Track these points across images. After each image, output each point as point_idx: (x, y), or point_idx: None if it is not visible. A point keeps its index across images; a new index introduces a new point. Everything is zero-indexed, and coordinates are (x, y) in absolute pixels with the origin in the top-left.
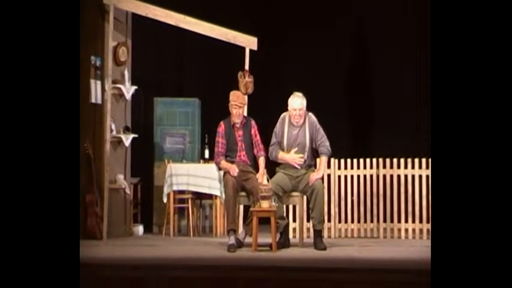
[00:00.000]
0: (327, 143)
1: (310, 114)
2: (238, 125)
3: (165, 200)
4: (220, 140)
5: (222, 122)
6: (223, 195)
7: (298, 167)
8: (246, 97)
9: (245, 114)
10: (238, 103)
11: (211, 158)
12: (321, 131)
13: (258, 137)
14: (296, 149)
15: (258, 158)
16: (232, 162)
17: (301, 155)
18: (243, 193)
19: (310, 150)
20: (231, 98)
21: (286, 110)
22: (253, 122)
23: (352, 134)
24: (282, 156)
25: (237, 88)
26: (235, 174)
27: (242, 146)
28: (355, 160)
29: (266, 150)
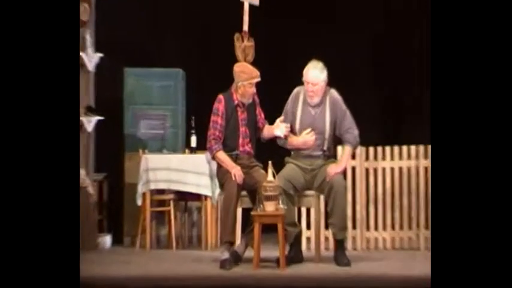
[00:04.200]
0: (356, 131)
1: (333, 90)
2: (244, 106)
3: (139, 202)
4: (219, 121)
5: (221, 96)
6: (216, 195)
7: (310, 147)
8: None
9: None
10: (254, 80)
11: (200, 147)
12: (348, 114)
13: (263, 114)
14: (309, 132)
15: (262, 128)
16: (237, 156)
17: (312, 134)
18: (243, 192)
19: (331, 137)
20: (240, 74)
21: (301, 83)
22: (256, 99)
23: (383, 114)
24: (291, 141)
25: (234, 54)
26: (240, 182)
27: (247, 132)
28: (387, 148)
29: None
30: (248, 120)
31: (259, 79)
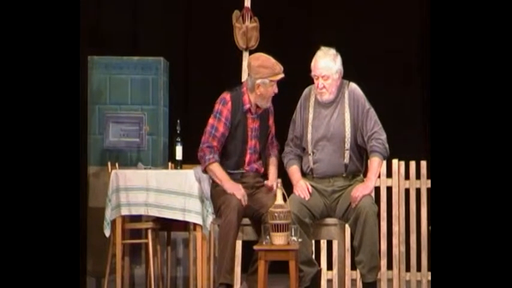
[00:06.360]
0: (383, 136)
1: (353, 84)
2: (256, 112)
3: (107, 232)
4: (220, 128)
5: (228, 96)
6: (208, 223)
7: (305, 198)
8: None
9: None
10: (278, 77)
11: (188, 160)
12: (372, 115)
13: (274, 128)
14: (322, 155)
15: (268, 158)
16: (242, 175)
17: (307, 187)
18: (245, 219)
19: (354, 147)
20: (259, 70)
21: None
22: (271, 105)
23: (424, 118)
24: (289, 170)
25: (232, 39)
26: (244, 203)
27: (256, 147)
28: None
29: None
30: (260, 131)
31: (283, 75)
